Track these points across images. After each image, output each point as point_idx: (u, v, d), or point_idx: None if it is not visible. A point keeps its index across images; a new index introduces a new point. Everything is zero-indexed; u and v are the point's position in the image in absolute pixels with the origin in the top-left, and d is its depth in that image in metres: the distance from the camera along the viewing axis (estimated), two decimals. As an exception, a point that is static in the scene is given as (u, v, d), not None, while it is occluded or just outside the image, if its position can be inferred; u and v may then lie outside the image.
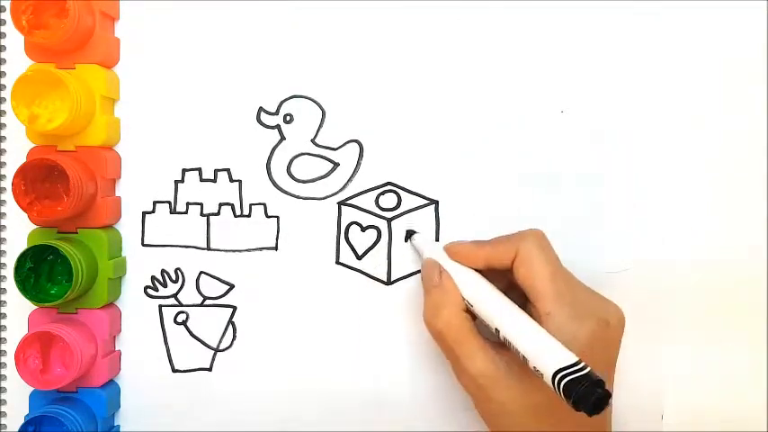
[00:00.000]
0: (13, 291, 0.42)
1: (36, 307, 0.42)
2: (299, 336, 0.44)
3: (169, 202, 0.44)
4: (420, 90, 0.43)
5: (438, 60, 0.43)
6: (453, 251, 0.40)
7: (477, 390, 0.37)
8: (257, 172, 0.43)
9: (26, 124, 0.39)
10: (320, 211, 0.44)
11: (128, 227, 0.44)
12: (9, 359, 0.43)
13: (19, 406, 0.43)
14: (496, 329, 0.37)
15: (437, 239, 0.43)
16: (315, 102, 0.43)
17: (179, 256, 0.44)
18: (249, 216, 0.44)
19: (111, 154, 0.43)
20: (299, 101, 0.43)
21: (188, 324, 0.44)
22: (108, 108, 0.43)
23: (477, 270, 0.39)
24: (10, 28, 0.41)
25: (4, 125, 0.43)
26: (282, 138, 0.43)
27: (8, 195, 0.42)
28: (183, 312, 0.44)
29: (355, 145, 0.43)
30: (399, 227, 0.44)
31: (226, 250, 0.44)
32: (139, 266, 0.44)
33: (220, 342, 0.44)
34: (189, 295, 0.44)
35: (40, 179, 0.40)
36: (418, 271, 0.44)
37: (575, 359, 0.33)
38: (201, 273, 0.44)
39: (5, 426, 0.43)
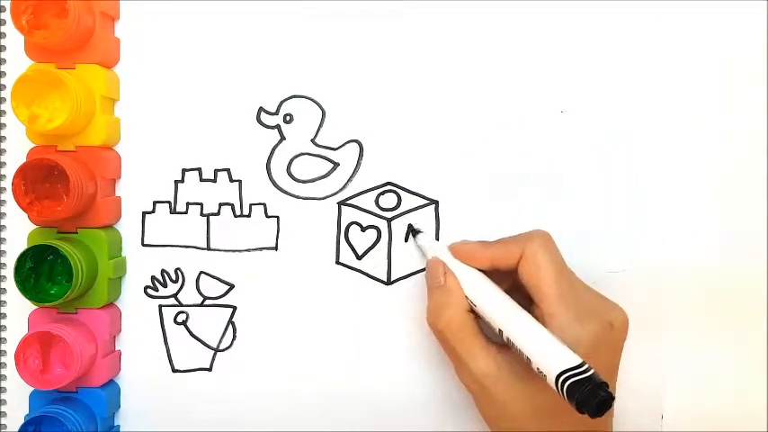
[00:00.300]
0: (13, 291, 0.42)
1: (36, 307, 0.42)
2: (299, 336, 0.44)
3: (169, 202, 0.44)
4: (420, 90, 0.43)
5: (438, 60, 0.43)
6: (458, 251, 0.40)
7: (479, 389, 0.37)
8: (257, 172, 0.43)
9: (26, 124, 0.39)
10: (320, 211, 0.44)
11: (128, 227, 0.44)
12: (9, 359, 0.43)
13: (19, 406, 0.43)
14: (500, 330, 0.37)
15: (437, 239, 0.43)
16: (315, 102, 0.43)
17: (179, 256, 0.44)
18: (249, 216, 0.44)
19: (111, 154, 0.43)
20: (299, 101, 0.43)
21: (188, 324, 0.44)
22: (108, 108, 0.43)
23: (481, 271, 0.39)
24: (10, 28, 0.41)
25: (4, 125, 0.43)
26: (282, 138, 0.43)
27: (8, 195, 0.42)
28: (183, 312, 0.44)
29: (355, 145, 0.43)
30: (399, 227, 0.44)
31: (226, 250, 0.44)
32: (139, 266, 0.44)
33: (220, 342, 0.44)
34: (189, 295, 0.44)
35: (40, 179, 0.40)
36: (418, 271, 0.44)
37: (579, 361, 0.33)
38: (201, 273, 0.44)
39: (5, 426, 0.43)
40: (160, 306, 0.44)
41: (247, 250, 0.44)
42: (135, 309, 0.44)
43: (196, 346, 0.44)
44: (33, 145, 0.41)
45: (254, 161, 0.43)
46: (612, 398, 0.31)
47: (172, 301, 0.44)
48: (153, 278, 0.44)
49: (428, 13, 0.43)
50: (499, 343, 0.38)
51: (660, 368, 0.44)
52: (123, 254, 0.44)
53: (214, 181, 0.44)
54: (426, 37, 0.43)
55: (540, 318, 0.37)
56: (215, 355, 0.44)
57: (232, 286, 0.44)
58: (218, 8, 0.43)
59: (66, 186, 0.39)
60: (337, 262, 0.44)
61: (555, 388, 0.33)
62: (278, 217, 0.44)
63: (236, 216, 0.44)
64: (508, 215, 0.43)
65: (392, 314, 0.44)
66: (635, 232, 0.43)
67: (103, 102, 0.42)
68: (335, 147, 0.44)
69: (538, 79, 0.43)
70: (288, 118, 0.43)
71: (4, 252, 0.43)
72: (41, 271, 0.40)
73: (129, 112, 0.43)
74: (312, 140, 0.44)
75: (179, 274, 0.44)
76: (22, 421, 0.40)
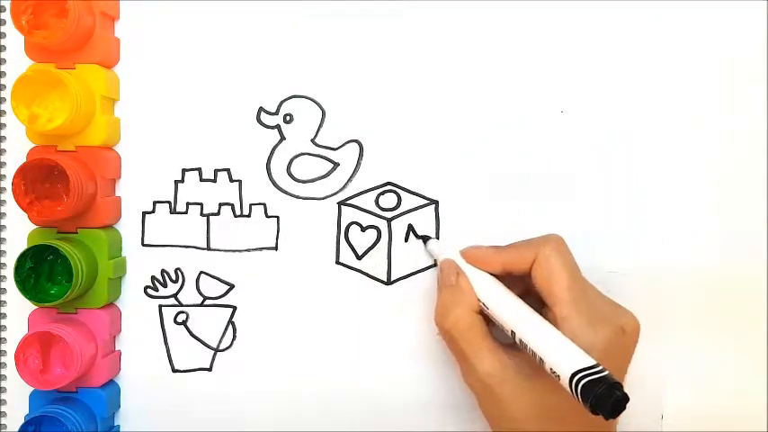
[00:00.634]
0: (13, 291, 0.42)
1: (36, 307, 0.42)
2: (299, 336, 0.44)
3: (169, 202, 0.44)
4: (420, 90, 0.43)
5: (438, 60, 0.43)
6: (470, 255, 0.40)
7: (484, 390, 0.37)
8: (257, 172, 0.43)
9: (26, 124, 0.39)
10: (320, 211, 0.44)
11: (128, 227, 0.44)
12: (9, 359, 0.43)
13: (19, 406, 0.43)
14: (512, 332, 0.37)
15: (434, 238, 0.43)
16: (315, 102, 0.43)
17: (179, 256, 0.44)
18: (249, 216, 0.44)
19: (111, 154, 0.43)
20: (299, 101, 0.43)
21: (188, 324, 0.44)
22: (108, 108, 0.43)
23: (493, 275, 0.40)
24: (10, 28, 0.41)
25: (4, 125, 0.43)
26: (282, 138, 0.43)
27: (8, 195, 0.42)
28: (183, 312, 0.44)
29: (355, 145, 0.43)
30: (399, 227, 0.44)
31: (226, 250, 0.44)
32: (139, 266, 0.44)
33: (220, 342, 0.44)
34: (189, 295, 0.44)
35: (40, 179, 0.40)
36: (418, 271, 0.44)
37: (593, 362, 0.33)
38: (201, 273, 0.44)
39: (5, 426, 0.43)
40: (160, 306, 0.44)
41: (247, 250, 0.44)
42: (135, 309, 0.44)
43: (196, 346, 0.44)
44: (33, 145, 0.41)
45: (254, 161, 0.43)
46: (627, 398, 0.31)
47: (172, 301, 0.44)
48: (153, 278, 0.44)
49: (428, 13, 0.43)
50: (506, 345, 0.38)
51: (660, 368, 0.44)
52: (123, 254, 0.44)
53: (214, 181, 0.44)
54: (426, 37, 0.43)
55: (552, 322, 0.37)
56: (215, 355, 0.44)
57: (232, 286, 0.44)
58: (218, 8, 0.43)
59: (66, 186, 0.39)
60: (337, 262, 0.44)
61: (568, 389, 0.32)
62: (278, 217, 0.44)
63: (236, 216, 0.44)
64: (508, 215, 0.43)
65: (392, 314, 0.44)
66: (635, 232, 0.43)
67: (103, 102, 0.42)
68: (335, 147, 0.44)
69: (538, 79, 0.43)
70: (288, 118, 0.43)
71: (4, 252, 0.43)
72: (41, 271, 0.40)
73: (129, 112, 0.43)
74: (312, 140, 0.44)
75: (179, 274, 0.44)
76: (22, 421, 0.40)
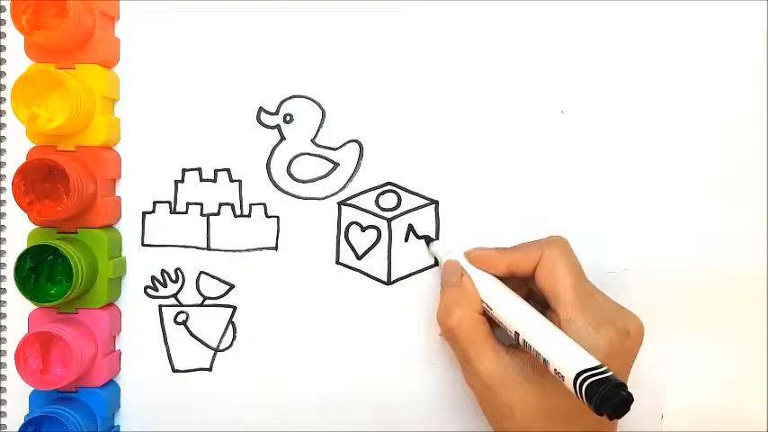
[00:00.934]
0: (13, 291, 0.41)
1: (36, 307, 0.42)
2: (299, 336, 0.44)
3: (169, 202, 0.44)
4: (420, 90, 0.43)
5: (438, 60, 0.43)
6: (475, 257, 0.40)
7: (485, 390, 0.37)
8: (257, 172, 0.43)
9: (26, 124, 0.39)
10: (320, 211, 0.44)
11: (128, 227, 0.44)
12: (9, 359, 0.43)
13: (19, 406, 0.43)
14: (516, 333, 0.36)
15: (437, 239, 0.43)
16: (315, 102, 0.43)
17: (179, 256, 0.44)
18: (249, 216, 0.44)
19: (111, 154, 0.43)
20: (299, 101, 0.43)
21: (188, 324, 0.44)
22: (108, 108, 0.43)
23: (497, 277, 0.40)
24: (10, 28, 0.41)
25: (4, 125, 0.43)
26: (282, 138, 0.43)
27: (8, 195, 0.42)
28: (183, 312, 0.44)
29: (355, 145, 0.43)
30: (399, 227, 0.44)
31: (226, 250, 0.44)
32: (139, 266, 0.44)
33: (220, 342, 0.44)
34: (189, 295, 0.44)
35: (40, 179, 0.40)
36: (418, 271, 0.44)
37: (597, 362, 0.33)
38: (201, 273, 0.44)
39: (5, 426, 0.43)
40: (160, 306, 0.44)
41: (247, 250, 0.44)
42: (135, 309, 0.44)
43: (196, 346, 0.44)
44: (33, 145, 0.41)
45: (254, 161, 0.43)
46: (632, 398, 0.31)
47: (172, 301, 0.44)
48: (153, 278, 0.44)
49: (428, 13, 0.43)
50: (508, 345, 0.38)
51: (660, 368, 0.44)
52: (123, 254, 0.44)
53: (214, 181, 0.44)
54: (426, 37, 0.43)
55: (556, 323, 0.37)
56: (215, 355, 0.44)
57: (232, 286, 0.44)
58: (218, 8, 0.43)
59: (67, 186, 0.39)
60: (337, 262, 0.44)
61: (573, 389, 0.32)
62: (278, 217, 0.44)
63: (236, 216, 0.44)
64: (508, 215, 0.43)
65: (392, 314, 0.44)
66: (635, 232, 0.43)
67: (103, 102, 0.42)
68: (335, 147, 0.44)
69: (538, 79, 0.43)
70: (288, 118, 0.43)
71: (4, 252, 0.43)
72: (41, 271, 0.40)
73: (129, 112, 0.43)
74: (312, 140, 0.44)
75: (179, 274, 0.44)
76: (22, 421, 0.40)
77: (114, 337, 0.44)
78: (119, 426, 0.44)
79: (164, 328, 0.44)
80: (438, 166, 0.43)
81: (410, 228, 0.43)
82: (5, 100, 0.42)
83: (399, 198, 0.43)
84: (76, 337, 0.40)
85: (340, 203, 0.44)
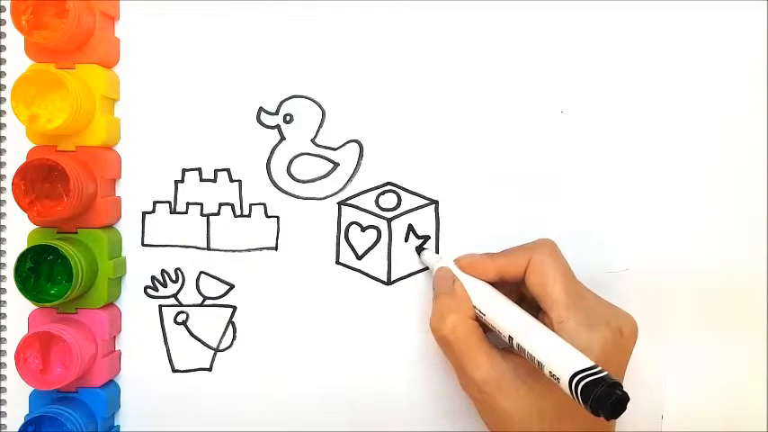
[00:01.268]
0: (13, 291, 0.41)
1: (36, 307, 0.42)
2: (299, 336, 0.44)
3: (169, 202, 0.44)
4: (420, 90, 0.43)
5: (438, 60, 0.43)
6: (465, 263, 0.40)
7: (481, 395, 0.37)
8: (257, 172, 0.43)
9: (26, 124, 0.39)
10: (320, 211, 0.44)
11: (128, 227, 0.44)
12: (9, 359, 0.43)
13: (19, 406, 0.43)
14: (510, 337, 0.36)
15: (437, 239, 0.43)
16: (315, 102, 0.43)
17: (179, 256, 0.44)
18: (249, 216, 0.44)
19: (111, 154, 0.43)
20: (299, 101, 0.43)
21: (188, 324, 0.44)
22: (108, 108, 0.43)
23: (488, 282, 0.40)
24: (10, 28, 0.41)
25: (4, 125, 0.43)
26: (282, 138, 0.43)
27: (8, 195, 0.42)
28: (183, 312, 0.44)
29: (355, 145, 0.43)
30: (399, 227, 0.44)
31: (226, 250, 0.44)
32: (139, 266, 0.44)
33: (220, 342, 0.44)
34: (189, 295, 0.44)
35: (40, 179, 0.40)
36: (418, 271, 0.44)
37: (591, 363, 0.33)
38: (201, 273, 0.44)
39: (5, 426, 0.43)
40: (160, 306, 0.44)
41: (247, 250, 0.44)
42: (135, 309, 0.44)
43: (196, 346, 0.44)
44: (33, 145, 0.41)
45: (254, 161, 0.43)
46: (628, 398, 0.31)
47: (172, 301, 0.44)
48: (153, 278, 0.44)
49: (428, 13, 0.43)
50: (502, 349, 0.38)
51: (660, 368, 0.44)
52: (123, 254, 0.44)
53: (214, 181, 0.44)
54: (426, 37, 0.43)
55: (549, 326, 0.37)
56: (215, 355, 0.44)
57: (232, 286, 0.44)
58: (218, 8, 0.43)
59: (67, 186, 0.39)
60: (337, 262, 0.44)
61: (568, 391, 0.32)
62: (278, 217, 0.44)
63: (236, 216, 0.44)
64: (508, 215, 0.43)
65: (392, 314, 0.44)
66: (635, 232, 0.43)
67: (103, 102, 0.42)
68: (335, 147, 0.44)
69: (538, 79, 0.43)
70: (288, 118, 0.43)
71: (4, 252, 0.43)
72: (41, 271, 0.40)
73: (129, 112, 0.43)
74: (312, 140, 0.44)
75: (179, 274, 0.44)
76: (22, 421, 0.40)
77: (114, 337, 0.44)
78: (119, 426, 0.44)
79: (164, 328, 0.44)
80: (438, 166, 0.43)
81: (410, 228, 0.43)
82: (5, 100, 0.42)
83: (399, 198, 0.43)
84: (76, 337, 0.40)
85: (340, 203, 0.44)
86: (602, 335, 0.36)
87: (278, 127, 0.43)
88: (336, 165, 0.44)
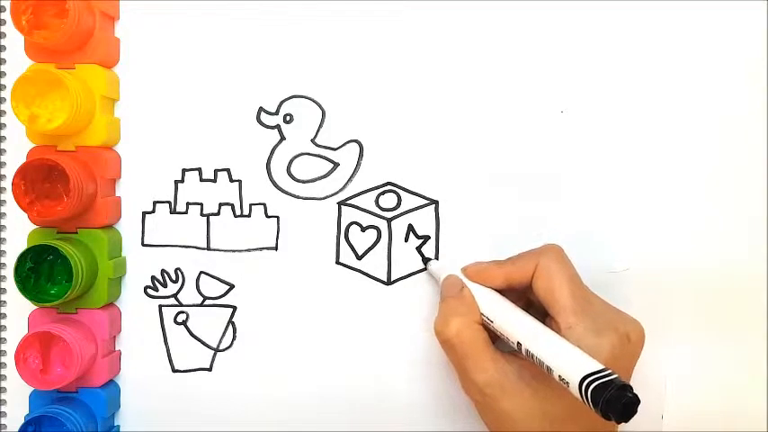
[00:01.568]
0: (13, 291, 0.41)
1: (36, 307, 0.42)
2: (299, 336, 0.44)
3: (169, 202, 0.44)
4: (420, 90, 0.43)
5: (438, 60, 0.43)
6: (472, 272, 0.40)
7: (484, 398, 0.37)
8: (257, 172, 0.43)
9: (26, 124, 0.39)
10: (320, 211, 0.44)
11: (128, 227, 0.44)
12: (9, 359, 0.43)
13: (19, 406, 0.43)
14: (518, 343, 0.36)
15: (437, 239, 0.43)
16: (315, 102, 0.43)
17: (179, 256, 0.44)
18: (249, 216, 0.44)
19: (111, 154, 0.43)
20: (299, 101, 0.43)
21: (188, 324, 0.44)
22: (108, 108, 0.43)
23: (495, 290, 0.40)
24: (10, 28, 0.41)
25: (4, 125, 0.43)
26: (282, 138, 0.43)
27: (8, 195, 0.42)
28: (183, 312, 0.44)
29: (355, 145, 0.43)
30: (399, 227, 0.44)
31: (226, 250, 0.44)
32: (139, 266, 0.44)
33: (220, 342, 0.44)
34: (189, 295, 0.44)
35: (40, 179, 0.40)
36: (418, 271, 0.44)
37: (601, 366, 0.32)
38: (201, 273, 0.44)
39: (5, 426, 0.43)
40: (160, 306, 0.44)
41: (247, 250, 0.44)
42: (135, 309, 0.44)
43: (196, 346, 0.44)
44: (33, 145, 0.41)
45: (254, 161, 0.43)
46: (638, 400, 0.31)
47: (172, 301, 0.44)
48: (153, 278, 0.44)
49: (428, 13, 0.43)
50: (507, 354, 0.38)
51: (660, 368, 0.44)
52: (123, 254, 0.44)
53: (214, 181, 0.44)
54: (426, 37, 0.43)
55: (557, 331, 0.37)
56: (215, 355, 0.44)
57: (232, 286, 0.44)
58: (218, 8, 0.43)
59: (67, 186, 0.39)
60: (337, 262, 0.44)
61: (579, 395, 0.32)
62: (278, 217, 0.44)
63: (236, 216, 0.44)
64: (508, 215, 0.43)
65: (392, 314, 0.44)
66: (635, 232, 0.43)
67: (103, 102, 0.42)
68: (335, 147, 0.44)
69: (538, 79, 0.43)
70: (288, 118, 0.43)
71: (4, 252, 0.43)
72: (41, 271, 0.40)
73: (129, 112, 0.43)
74: (312, 140, 0.44)
75: (179, 274, 0.44)
76: (22, 421, 0.40)
77: (114, 337, 0.44)
78: (119, 426, 0.44)
79: (164, 328, 0.44)
80: (438, 166, 0.43)
81: (410, 228, 0.43)
82: (5, 100, 0.42)
83: (399, 198, 0.43)
84: (76, 337, 0.40)
85: (340, 203, 0.44)
86: (610, 340, 0.36)
87: (278, 127, 0.43)
88: (336, 165, 0.44)
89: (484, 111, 0.43)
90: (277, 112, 0.43)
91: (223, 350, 0.44)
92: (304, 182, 0.44)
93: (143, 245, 0.44)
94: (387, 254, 0.44)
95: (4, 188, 0.43)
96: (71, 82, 0.39)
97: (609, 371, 0.32)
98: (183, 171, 0.44)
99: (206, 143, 0.43)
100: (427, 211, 0.43)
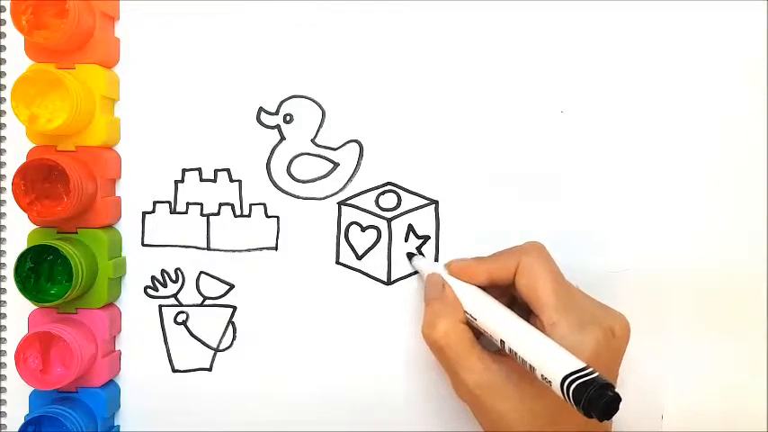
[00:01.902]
0: (13, 291, 0.41)
1: (36, 307, 0.42)
2: (298, 336, 0.44)
3: (169, 202, 0.44)
4: (420, 90, 0.43)
5: (438, 60, 0.43)
6: (455, 268, 0.40)
7: (475, 399, 0.37)
8: (257, 172, 0.43)
9: (26, 124, 0.39)
10: (320, 211, 0.44)
11: (128, 227, 0.44)
12: (9, 359, 0.43)
13: (19, 406, 0.43)
14: (502, 341, 0.36)
15: (437, 239, 0.43)
16: (315, 102, 0.43)
17: (179, 256, 0.44)
18: (249, 216, 0.44)
19: (111, 154, 0.43)
20: (299, 101, 0.43)
21: (188, 324, 0.44)
22: (108, 108, 0.43)
23: (478, 287, 0.40)
24: (10, 28, 0.41)
25: (4, 125, 0.43)
26: (282, 138, 0.43)
27: (8, 195, 0.42)
28: (183, 312, 0.44)
29: (355, 145, 0.43)
30: (399, 227, 0.44)
31: (226, 250, 0.44)
32: (139, 266, 0.44)
33: (220, 342, 0.44)
34: (189, 295, 0.44)
35: (40, 179, 0.40)
36: (418, 271, 0.44)
37: (582, 364, 0.33)
38: (201, 273, 0.44)
39: (5, 426, 0.43)
40: (160, 306, 0.44)
41: (247, 250, 0.44)
42: (135, 309, 0.44)
43: (196, 346, 0.44)
44: (33, 145, 0.41)
45: (254, 161, 0.43)
46: (619, 398, 0.31)
47: (172, 301, 0.44)
48: (153, 278, 0.44)
49: (428, 13, 0.43)
50: (494, 352, 0.38)
51: (660, 368, 0.44)
52: (123, 254, 0.44)
53: (214, 181, 0.44)
54: (426, 37, 0.43)
55: (540, 328, 0.37)
56: (215, 355, 0.44)
57: (232, 286, 0.44)
58: (218, 8, 0.43)
59: (67, 186, 0.39)
60: (337, 262, 0.44)
61: (561, 394, 0.32)
62: (278, 217, 0.44)
63: (236, 216, 0.44)
64: (508, 215, 0.43)
65: (392, 314, 0.44)
66: (635, 232, 0.43)
67: (103, 102, 0.42)
68: (335, 147, 0.44)
69: (538, 79, 0.43)
70: (288, 118, 0.43)
71: (4, 252, 0.43)
72: (41, 271, 0.40)
73: (129, 112, 0.43)
74: (312, 140, 0.44)
75: (179, 274, 0.44)
76: (22, 421, 0.40)
77: (114, 337, 0.44)
78: (119, 426, 0.44)
79: (164, 328, 0.44)
80: (438, 166, 0.43)
81: (410, 228, 0.43)
82: (5, 100, 0.42)
83: (399, 198, 0.43)
84: (76, 337, 0.40)
85: (340, 203, 0.44)
86: (594, 336, 0.36)
87: (278, 127, 0.43)
88: (336, 165, 0.44)
89: (484, 111, 0.43)
90: (277, 112, 0.43)
91: (223, 350, 0.44)
92: (304, 182, 0.44)
93: (143, 245, 0.44)
94: (387, 254, 0.44)
95: (4, 188, 0.43)
96: (71, 82, 0.39)
97: (590, 369, 0.32)
98: (183, 171, 0.44)
99: (206, 143, 0.43)
100: (427, 211, 0.44)
